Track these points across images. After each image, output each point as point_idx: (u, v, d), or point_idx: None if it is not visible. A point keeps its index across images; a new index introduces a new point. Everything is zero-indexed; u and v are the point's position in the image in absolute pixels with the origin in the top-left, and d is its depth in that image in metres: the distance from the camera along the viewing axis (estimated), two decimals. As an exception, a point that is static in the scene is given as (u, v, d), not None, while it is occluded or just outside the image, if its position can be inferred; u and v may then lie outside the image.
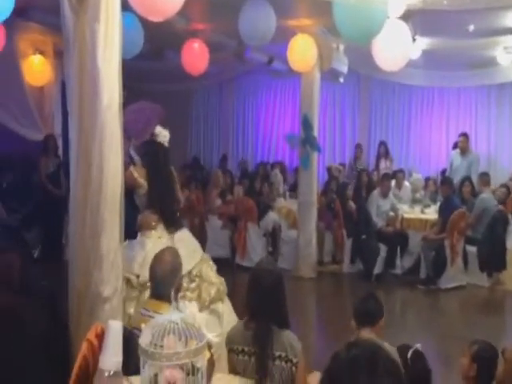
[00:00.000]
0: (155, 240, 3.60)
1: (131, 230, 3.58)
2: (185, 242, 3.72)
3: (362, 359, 1.30)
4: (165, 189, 3.77)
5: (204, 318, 1.80)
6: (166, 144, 3.80)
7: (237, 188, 8.57)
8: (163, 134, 3.78)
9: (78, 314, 2.94)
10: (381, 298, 6.66)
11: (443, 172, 8.69)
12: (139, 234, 3.69)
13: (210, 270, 3.77)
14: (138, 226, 3.70)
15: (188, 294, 3.43)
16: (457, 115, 10.15)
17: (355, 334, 2.74)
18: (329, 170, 9.15)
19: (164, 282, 2.49)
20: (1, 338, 2.28)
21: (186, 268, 3.46)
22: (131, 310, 3.28)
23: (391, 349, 2.52)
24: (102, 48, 2.85)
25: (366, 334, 2.71)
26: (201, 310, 3.51)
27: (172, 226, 3.74)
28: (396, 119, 10.57)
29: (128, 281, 3.36)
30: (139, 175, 3.72)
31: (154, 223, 3.66)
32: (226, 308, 3.70)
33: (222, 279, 3.81)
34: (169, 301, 2.39)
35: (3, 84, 6.66)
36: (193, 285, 3.59)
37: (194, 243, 3.87)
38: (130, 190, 3.54)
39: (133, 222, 3.64)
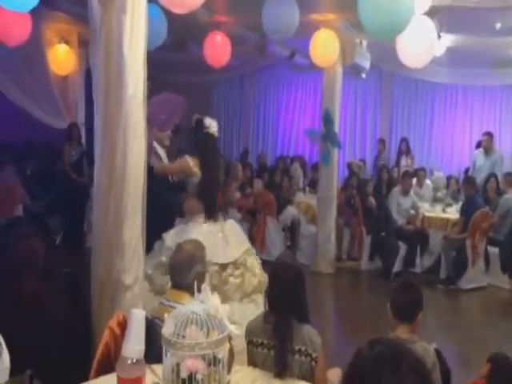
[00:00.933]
0: (194, 226, 3.77)
1: (169, 212, 3.69)
2: (234, 230, 3.88)
3: (385, 356, 1.29)
4: (212, 180, 3.91)
5: (226, 310, 1.80)
6: (216, 134, 3.91)
7: (256, 181, 8.58)
8: (213, 125, 3.88)
9: (100, 302, 2.97)
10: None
11: (466, 171, 8.57)
12: (185, 219, 3.88)
13: (255, 262, 3.87)
14: (183, 211, 3.90)
15: (231, 279, 3.62)
16: (481, 114, 9.99)
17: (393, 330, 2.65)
18: (349, 166, 9.10)
19: (179, 272, 2.50)
20: (24, 324, 2.31)
21: (233, 256, 3.76)
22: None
23: (428, 348, 2.49)
24: (127, 38, 2.88)
25: (404, 331, 2.61)
26: (242, 298, 3.62)
27: (213, 216, 3.87)
28: (418, 116, 10.44)
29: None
30: (194, 164, 3.88)
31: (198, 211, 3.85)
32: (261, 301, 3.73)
33: (265, 274, 3.80)
34: (189, 291, 2.40)
35: (29, 72, 6.75)
36: (237, 272, 3.73)
37: (242, 233, 4.00)
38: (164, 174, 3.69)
39: (171, 203, 3.76)
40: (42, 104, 7.02)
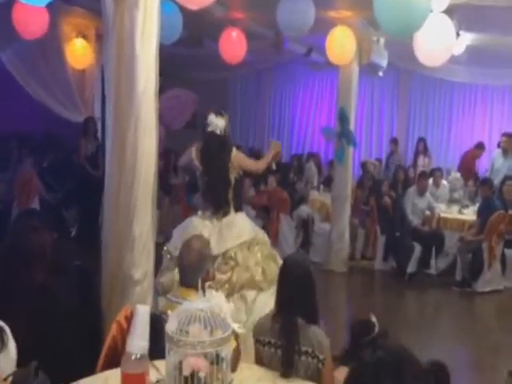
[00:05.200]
0: (199, 221, 3.82)
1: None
2: (231, 225, 3.81)
3: (387, 362, 1.27)
4: (214, 178, 3.85)
5: (230, 309, 1.79)
6: (219, 132, 3.80)
7: (270, 178, 8.55)
8: (214, 124, 3.80)
9: (110, 296, 2.99)
10: (413, 298, 6.55)
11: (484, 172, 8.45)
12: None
13: (250, 256, 3.78)
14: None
15: (218, 274, 3.50)
16: (501, 114, 9.84)
17: None
18: (363, 165, 9.03)
19: (191, 270, 2.49)
20: (32, 316, 2.33)
21: (219, 249, 3.68)
22: (164, 279, 3.51)
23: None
24: (139, 34, 2.88)
25: None
26: (230, 293, 3.57)
27: (219, 212, 3.84)
28: (436, 116, 10.33)
29: (169, 252, 3.62)
30: (196, 157, 3.87)
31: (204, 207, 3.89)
32: (262, 298, 3.69)
33: (274, 271, 3.70)
34: (197, 288, 2.40)
35: (47, 66, 6.83)
36: (226, 267, 3.68)
37: (242, 227, 3.87)
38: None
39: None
40: (59, 98, 7.10)
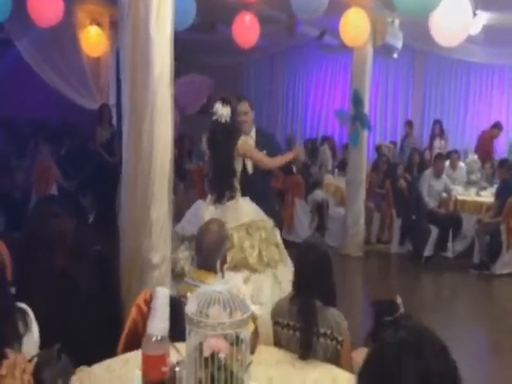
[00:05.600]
0: (204, 205, 3.93)
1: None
2: (233, 209, 3.85)
3: (409, 342, 1.28)
4: (219, 166, 3.90)
5: (249, 290, 1.81)
6: (224, 121, 3.80)
7: (285, 163, 8.54)
8: (219, 113, 3.80)
9: (129, 280, 3.03)
10: (431, 282, 6.52)
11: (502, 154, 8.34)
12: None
13: (247, 239, 3.80)
14: None
15: None
16: (518, 94, 9.67)
17: None
18: (378, 148, 8.96)
19: (210, 253, 2.52)
20: (54, 299, 2.37)
21: None
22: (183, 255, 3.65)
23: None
24: (154, 19, 2.87)
25: None
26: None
27: (222, 198, 3.88)
28: (452, 97, 10.18)
29: (175, 232, 3.73)
30: (205, 144, 3.96)
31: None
32: (253, 279, 3.72)
33: (273, 255, 3.81)
34: (215, 271, 2.42)
35: (62, 54, 6.87)
36: None
37: (244, 211, 3.88)
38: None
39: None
40: (74, 85, 7.16)
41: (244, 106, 4.20)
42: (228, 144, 3.85)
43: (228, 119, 3.81)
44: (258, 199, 3.99)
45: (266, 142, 4.33)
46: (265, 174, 4.20)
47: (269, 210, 4.08)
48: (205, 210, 3.85)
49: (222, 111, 3.77)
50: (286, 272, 3.75)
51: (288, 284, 3.53)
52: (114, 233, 3.32)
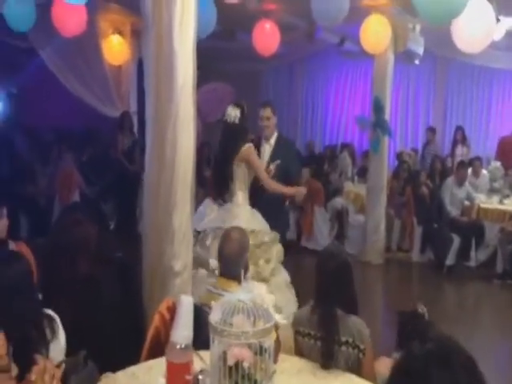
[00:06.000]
0: (210, 203, 4.11)
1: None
2: (229, 213, 3.87)
3: (436, 354, 1.27)
4: (218, 165, 4.04)
5: (272, 300, 1.81)
6: (231, 120, 3.85)
7: (303, 170, 8.53)
8: (228, 113, 3.87)
9: (151, 287, 3.06)
10: (453, 291, 6.41)
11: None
12: None
13: None
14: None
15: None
16: (542, 101, 9.51)
17: None
18: (399, 156, 8.89)
19: (231, 261, 2.52)
20: (79, 306, 2.41)
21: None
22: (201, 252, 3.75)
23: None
24: (177, 30, 2.92)
25: None
26: None
27: (218, 198, 4.02)
28: (475, 104, 10.04)
29: None
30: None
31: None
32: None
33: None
34: (237, 279, 2.42)
35: (85, 62, 6.98)
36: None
37: (239, 219, 3.82)
38: None
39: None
40: (97, 93, 7.25)
41: (267, 112, 4.21)
42: (230, 145, 3.86)
43: (236, 120, 3.83)
44: (271, 207, 3.98)
45: (286, 147, 4.33)
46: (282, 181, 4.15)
47: (279, 219, 4.09)
48: (207, 207, 4.00)
49: (231, 112, 3.83)
50: (279, 282, 3.83)
51: (283, 295, 3.64)
52: (134, 239, 3.36)
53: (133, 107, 7.82)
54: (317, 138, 11.35)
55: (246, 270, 2.59)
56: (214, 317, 1.69)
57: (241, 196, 3.89)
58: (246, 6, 5.62)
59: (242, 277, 2.23)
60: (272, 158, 4.17)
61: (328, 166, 8.71)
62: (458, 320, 5.16)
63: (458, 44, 4.62)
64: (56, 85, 7.10)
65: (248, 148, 3.85)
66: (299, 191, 4.12)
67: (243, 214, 3.86)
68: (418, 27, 7.09)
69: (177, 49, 2.91)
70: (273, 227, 3.93)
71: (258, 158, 4.02)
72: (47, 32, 5.77)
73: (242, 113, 3.84)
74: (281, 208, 4.44)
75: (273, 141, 4.29)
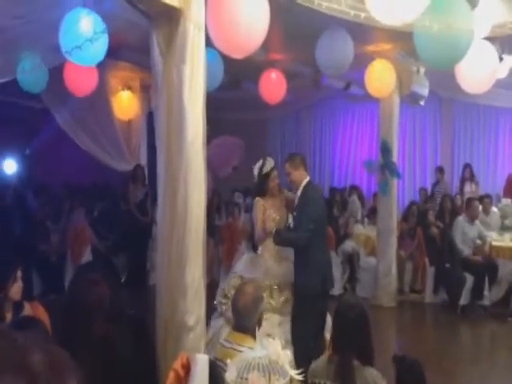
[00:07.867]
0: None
1: None
2: (252, 261, 4.25)
3: None
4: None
5: (287, 356, 1.80)
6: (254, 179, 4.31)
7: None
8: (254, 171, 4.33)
9: (165, 342, 3.04)
10: (468, 331, 6.28)
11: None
12: None
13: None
14: None
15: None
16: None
17: None
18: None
19: (246, 315, 2.52)
20: (94, 366, 2.39)
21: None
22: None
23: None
24: (187, 87, 3.01)
25: None
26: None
27: (250, 248, 4.37)
28: (481, 142, 10.08)
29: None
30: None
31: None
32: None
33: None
34: (252, 334, 2.41)
35: (95, 119, 7.12)
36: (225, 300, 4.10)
37: (255, 268, 4.13)
38: None
39: None
40: (107, 149, 7.33)
41: (285, 168, 4.25)
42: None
43: (255, 178, 4.22)
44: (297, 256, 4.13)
45: (305, 197, 4.22)
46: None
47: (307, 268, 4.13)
48: (245, 254, 4.33)
49: (254, 170, 3.99)
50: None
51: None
52: (145, 291, 3.36)
53: (143, 160, 7.91)
54: (325, 182, 11.38)
55: (260, 323, 2.57)
56: (230, 375, 1.69)
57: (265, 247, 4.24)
58: (253, 57, 5.76)
59: (257, 331, 2.22)
60: (297, 209, 4.17)
61: (337, 210, 8.71)
62: (475, 361, 5.05)
63: (462, 85, 4.65)
64: (67, 142, 7.23)
65: (254, 202, 4.26)
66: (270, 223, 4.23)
67: (260, 264, 4.12)
68: (422, 69, 7.19)
69: (187, 106, 2.98)
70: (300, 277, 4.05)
71: (259, 212, 4.24)
72: (60, 93, 5.92)
73: (261, 169, 4.02)
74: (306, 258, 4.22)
75: (299, 192, 4.23)
